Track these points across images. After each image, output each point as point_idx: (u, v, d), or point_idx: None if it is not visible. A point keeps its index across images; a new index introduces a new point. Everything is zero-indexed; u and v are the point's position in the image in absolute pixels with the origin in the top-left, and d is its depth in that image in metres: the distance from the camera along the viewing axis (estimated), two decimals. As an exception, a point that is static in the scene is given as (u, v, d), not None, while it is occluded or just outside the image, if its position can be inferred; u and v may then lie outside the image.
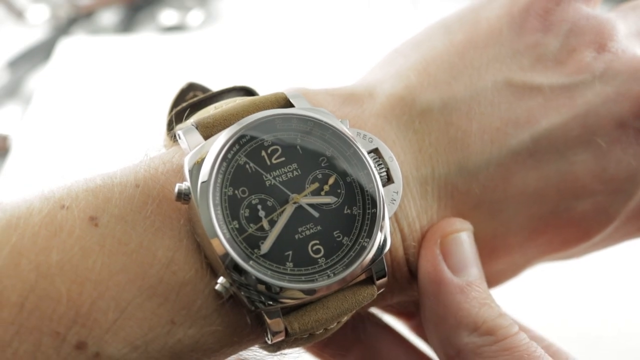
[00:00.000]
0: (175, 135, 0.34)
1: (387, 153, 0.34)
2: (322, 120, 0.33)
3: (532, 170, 0.37)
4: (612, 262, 0.65)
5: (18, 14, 1.05)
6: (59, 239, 0.28)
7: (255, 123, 0.32)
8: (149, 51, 0.96)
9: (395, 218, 0.36)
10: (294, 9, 1.05)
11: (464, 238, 0.35)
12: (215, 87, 0.38)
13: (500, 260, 0.39)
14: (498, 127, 0.37)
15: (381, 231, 0.32)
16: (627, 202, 0.38)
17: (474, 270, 0.35)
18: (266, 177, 0.32)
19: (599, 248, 0.43)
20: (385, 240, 0.32)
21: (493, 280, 0.42)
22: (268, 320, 0.30)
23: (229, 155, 0.31)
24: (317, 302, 0.31)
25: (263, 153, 0.32)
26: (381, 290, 0.33)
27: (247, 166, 0.32)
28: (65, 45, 0.96)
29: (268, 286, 0.29)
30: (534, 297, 0.63)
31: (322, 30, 0.99)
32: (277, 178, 0.32)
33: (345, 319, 0.33)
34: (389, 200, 0.33)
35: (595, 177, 0.37)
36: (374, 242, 0.32)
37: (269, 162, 0.32)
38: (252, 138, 0.32)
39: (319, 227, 0.32)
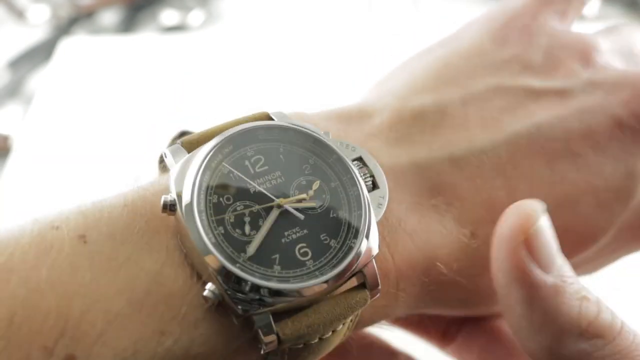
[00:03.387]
0: (164, 166, 0.34)
1: (371, 161, 0.34)
2: (303, 130, 0.34)
3: (538, 156, 0.36)
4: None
5: (19, 13, 1.05)
6: (49, 257, 0.28)
7: (238, 133, 0.33)
8: (150, 51, 0.96)
9: (387, 221, 0.35)
10: (294, 10, 1.05)
11: (545, 224, 0.31)
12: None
13: None
14: (497, 117, 0.37)
15: (367, 236, 0.32)
16: (628, 201, 0.38)
17: (560, 259, 0.31)
18: (250, 184, 0.32)
19: (606, 259, 0.42)
20: (374, 245, 0.32)
21: None
22: (258, 326, 0.30)
23: (213, 164, 0.32)
24: (308, 307, 0.31)
25: (246, 162, 0.33)
26: (376, 297, 0.33)
27: (231, 175, 0.32)
28: (66, 45, 0.96)
29: (256, 288, 0.29)
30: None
31: (323, 31, 0.99)
32: (261, 185, 0.32)
33: (340, 328, 0.33)
34: (375, 205, 0.33)
35: (596, 174, 0.37)
36: (362, 243, 0.32)
37: (252, 171, 0.33)
38: (235, 148, 0.33)
39: (305, 231, 0.32)
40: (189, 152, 0.33)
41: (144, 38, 1.00)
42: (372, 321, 0.37)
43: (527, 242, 0.30)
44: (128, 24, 1.06)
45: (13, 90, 0.95)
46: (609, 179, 0.37)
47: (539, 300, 0.30)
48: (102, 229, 0.30)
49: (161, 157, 0.36)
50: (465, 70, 0.39)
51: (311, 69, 0.90)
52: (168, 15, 1.06)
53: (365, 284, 0.32)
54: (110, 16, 1.07)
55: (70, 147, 0.82)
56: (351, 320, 0.34)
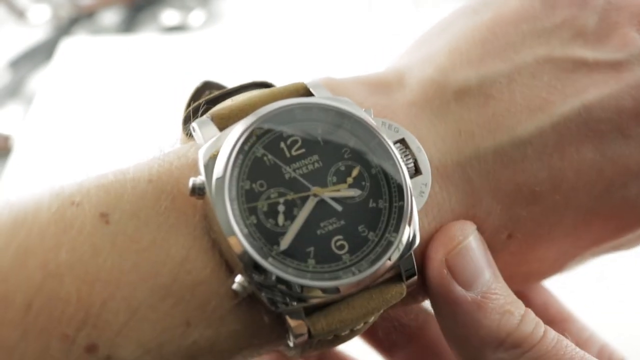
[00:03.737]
0: (190, 130, 0.32)
1: (414, 143, 0.32)
2: (344, 110, 0.31)
3: (587, 141, 0.34)
4: None
5: (19, 14, 1.05)
6: (68, 237, 0.27)
7: (273, 113, 0.30)
8: (151, 51, 0.95)
9: (427, 215, 0.33)
10: (295, 9, 1.05)
11: (471, 245, 0.33)
12: (236, 84, 0.36)
13: (555, 242, 0.37)
14: (545, 97, 0.34)
15: (409, 225, 0.30)
16: None
17: (486, 276, 0.33)
18: (285, 169, 0.30)
19: None
20: (414, 236, 0.30)
21: (544, 270, 0.39)
22: (289, 321, 0.28)
23: (246, 147, 0.29)
24: (341, 301, 0.29)
25: (282, 145, 0.30)
26: (412, 288, 0.32)
27: (265, 158, 0.30)
28: (67, 45, 0.95)
29: (289, 285, 0.28)
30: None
31: (324, 31, 0.98)
32: (297, 170, 0.30)
33: (372, 319, 0.31)
34: (417, 193, 0.31)
35: None
36: (402, 237, 0.30)
37: (288, 154, 0.30)
38: (270, 129, 0.30)
39: (342, 222, 0.29)
40: (219, 128, 0.30)
41: (145, 38, 1.00)
42: (402, 306, 0.37)
43: (448, 262, 0.32)
44: (129, 24, 1.06)
45: (14, 91, 0.95)
46: None
47: (461, 315, 0.32)
48: (125, 206, 0.28)
49: (186, 117, 0.34)
50: (513, 40, 0.36)
51: (311, 69, 0.89)
52: (169, 16, 1.06)
53: (402, 276, 0.31)
54: (110, 16, 1.07)
55: (71, 147, 0.82)
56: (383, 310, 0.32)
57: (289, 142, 0.30)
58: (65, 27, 1.05)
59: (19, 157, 0.82)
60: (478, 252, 0.33)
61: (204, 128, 0.30)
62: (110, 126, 0.84)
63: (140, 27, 1.05)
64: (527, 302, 0.42)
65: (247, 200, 0.29)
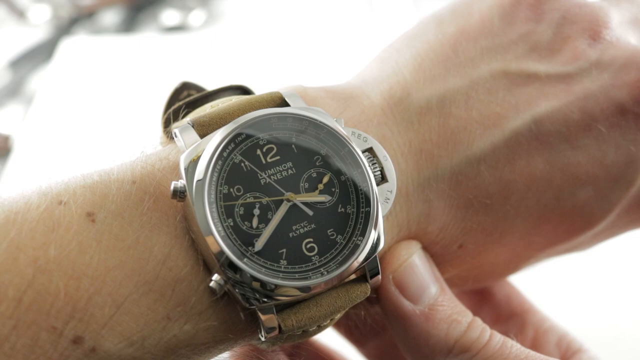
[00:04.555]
0: (171, 133, 0.34)
1: (381, 152, 0.35)
2: (317, 120, 0.33)
3: (537, 153, 0.37)
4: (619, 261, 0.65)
5: (20, 14, 1.05)
6: (56, 235, 0.28)
7: (251, 122, 0.33)
8: (151, 51, 0.96)
9: (387, 232, 0.36)
10: (295, 9, 1.05)
11: (415, 262, 0.36)
12: (214, 86, 0.38)
13: (507, 247, 0.39)
14: (498, 112, 0.37)
15: (375, 229, 0.32)
16: (628, 189, 0.38)
17: (432, 289, 0.36)
18: (261, 175, 0.32)
19: (603, 238, 0.42)
20: (379, 239, 0.33)
21: (499, 272, 0.42)
22: (262, 317, 0.31)
23: (225, 154, 0.32)
24: (310, 299, 0.32)
25: (258, 151, 0.32)
26: (376, 285, 0.34)
27: (242, 164, 0.32)
28: (67, 45, 0.96)
29: (262, 283, 0.30)
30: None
31: (324, 31, 0.99)
32: (272, 176, 0.32)
33: (338, 316, 0.34)
34: (382, 199, 0.34)
35: (597, 163, 0.37)
36: (368, 240, 0.32)
37: (264, 161, 0.32)
38: (248, 137, 0.32)
39: (313, 225, 0.32)
40: (199, 134, 0.32)
41: (145, 38, 1.00)
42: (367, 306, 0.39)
43: (395, 279, 0.35)
44: (129, 24, 1.06)
45: (14, 90, 0.95)
46: (609, 169, 0.37)
47: (411, 327, 0.35)
48: (110, 206, 0.30)
49: (166, 121, 0.36)
50: (472, 55, 0.38)
51: (312, 69, 0.90)
52: (169, 16, 1.06)
53: (366, 277, 0.33)
54: (111, 16, 1.07)
55: (71, 147, 0.82)
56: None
57: (265, 149, 0.33)
58: (65, 27, 1.05)
59: (19, 157, 0.82)
60: (423, 268, 0.36)
61: (185, 134, 0.32)
62: (110, 126, 0.84)
63: (140, 27, 1.05)
64: (490, 295, 0.47)
65: (225, 204, 0.31)
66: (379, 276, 0.33)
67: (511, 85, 0.37)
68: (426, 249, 0.37)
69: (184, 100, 0.36)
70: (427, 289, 0.36)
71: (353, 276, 0.33)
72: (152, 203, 0.31)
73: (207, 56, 0.94)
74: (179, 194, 0.30)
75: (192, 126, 0.33)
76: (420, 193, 0.36)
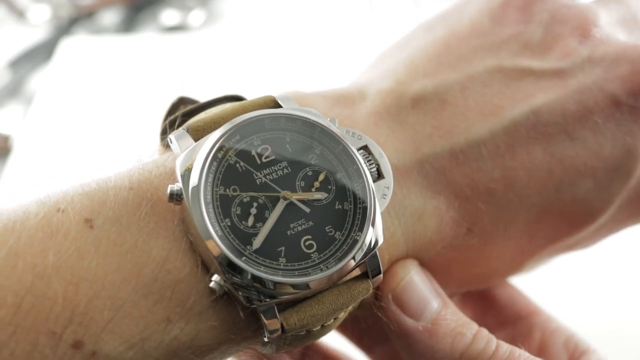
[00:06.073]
0: (167, 143, 0.34)
1: (376, 150, 0.35)
2: (310, 119, 0.34)
3: (536, 143, 0.37)
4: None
5: (19, 13, 1.05)
6: (55, 241, 0.28)
7: (245, 123, 0.33)
8: (151, 51, 0.96)
9: (390, 214, 0.36)
10: (295, 9, 1.05)
11: (413, 279, 0.36)
12: (212, 90, 0.38)
13: (511, 240, 0.39)
14: (496, 102, 0.37)
15: (373, 227, 0.32)
16: (627, 180, 0.38)
17: (434, 304, 0.36)
18: (257, 175, 0.32)
19: (605, 234, 0.43)
20: (377, 235, 0.33)
21: (503, 269, 0.42)
22: (263, 317, 0.31)
23: (219, 155, 0.32)
24: (312, 297, 0.32)
25: (253, 152, 0.33)
26: (377, 284, 0.34)
27: (238, 165, 0.32)
28: (67, 45, 0.96)
29: (262, 281, 0.30)
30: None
31: (324, 31, 0.99)
32: (267, 176, 0.32)
33: (342, 315, 0.34)
34: (380, 195, 0.34)
35: (595, 155, 0.37)
36: (366, 235, 0.32)
37: (259, 161, 0.33)
38: (242, 138, 0.33)
39: (310, 223, 0.32)
40: (194, 139, 0.33)
41: (145, 38, 1.00)
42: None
43: (395, 299, 0.36)
44: (128, 24, 1.06)
45: (13, 90, 0.95)
46: (607, 160, 0.38)
47: (416, 344, 0.35)
48: (107, 212, 0.30)
49: (163, 130, 0.37)
50: (465, 53, 0.39)
51: (312, 69, 0.90)
52: (168, 15, 1.06)
53: (368, 274, 0.33)
54: (110, 16, 1.07)
55: (71, 147, 0.82)
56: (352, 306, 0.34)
57: (259, 149, 0.33)
58: (65, 27, 1.05)
59: (19, 157, 0.82)
60: (422, 285, 0.36)
61: (180, 139, 0.33)
62: (110, 126, 0.84)
63: (140, 27, 1.05)
64: (494, 300, 0.47)
65: (222, 204, 0.31)
66: (381, 275, 0.33)
67: (506, 79, 0.38)
68: (436, 235, 0.37)
69: (180, 112, 0.37)
70: (428, 305, 0.36)
71: (355, 273, 0.33)
72: (149, 208, 0.31)
73: (206, 56, 0.94)
74: (176, 197, 0.30)
75: (187, 131, 0.33)
76: (419, 168, 0.36)
